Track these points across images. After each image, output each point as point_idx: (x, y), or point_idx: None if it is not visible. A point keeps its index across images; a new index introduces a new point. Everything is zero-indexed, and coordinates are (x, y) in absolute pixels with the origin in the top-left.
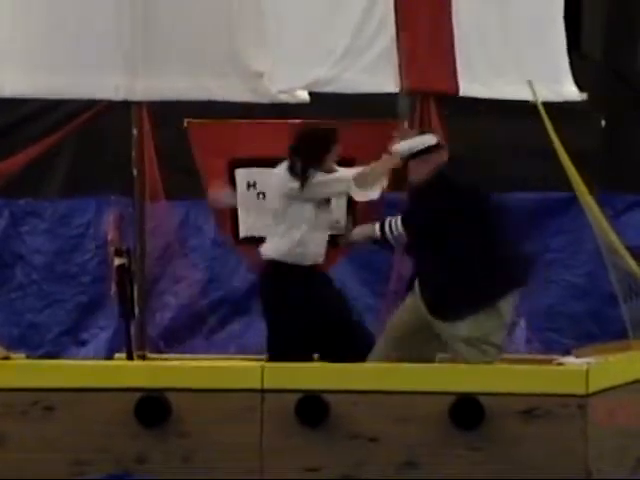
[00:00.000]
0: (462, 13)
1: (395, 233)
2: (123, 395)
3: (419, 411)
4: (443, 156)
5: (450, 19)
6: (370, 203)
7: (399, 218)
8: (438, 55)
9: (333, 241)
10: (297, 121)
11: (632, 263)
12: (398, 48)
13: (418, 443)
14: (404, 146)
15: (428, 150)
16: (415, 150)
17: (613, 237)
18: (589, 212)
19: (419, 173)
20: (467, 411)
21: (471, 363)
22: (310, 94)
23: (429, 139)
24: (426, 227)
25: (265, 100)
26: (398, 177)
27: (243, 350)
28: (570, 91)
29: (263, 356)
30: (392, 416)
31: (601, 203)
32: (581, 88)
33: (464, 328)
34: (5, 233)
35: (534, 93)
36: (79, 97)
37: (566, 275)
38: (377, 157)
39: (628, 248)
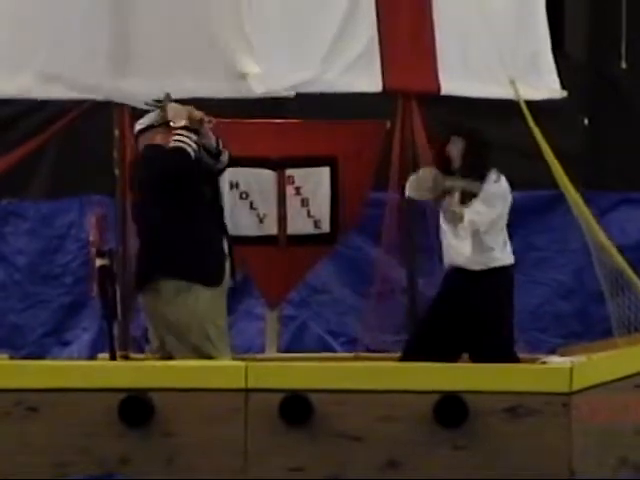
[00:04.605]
0: (443, 13)
1: None
2: (106, 395)
3: (403, 410)
4: None
5: (431, 19)
6: (352, 200)
7: None
8: (419, 55)
9: (315, 241)
10: (282, 121)
11: (619, 259)
12: (380, 48)
13: (402, 442)
14: None
15: None
16: None
17: (600, 234)
18: (576, 209)
19: None
20: (451, 409)
21: None
22: (295, 94)
23: None
24: None
25: (249, 96)
26: (383, 176)
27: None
28: (551, 89)
29: (248, 355)
30: (376, 415)
31: (585, 202)
32: (564, 88)
33: None
34: None
35: (517, 92)
36: (61, 97)
37: (552, 274)
38: (359, 156)
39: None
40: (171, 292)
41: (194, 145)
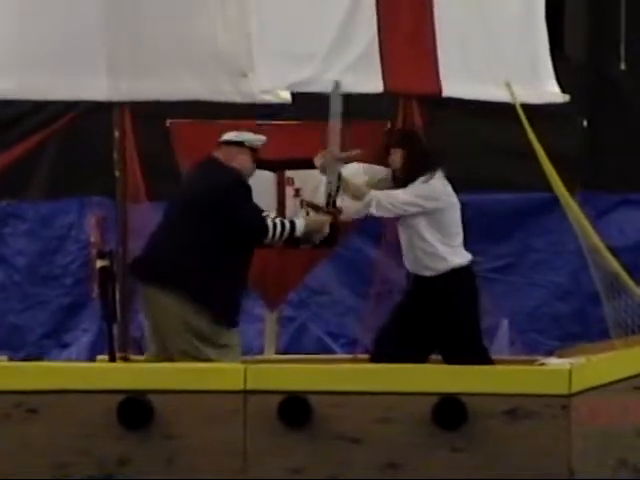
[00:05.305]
0: (444, 14)
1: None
2: (106, 397)
3: (402, 412)
4: None
5: (432, 20)
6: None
7: None
8: (421, 56)
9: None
10: (279, 123)
11: (613, 262)
12: (380, 49)
13: (401, 444)
14: None
15: None
16: None
17: (594, 237)
18: (569, 212)
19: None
20: (450, 411)
21: None
22: (294, 95)
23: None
24: None
25: (248, 100)
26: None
27: None
28: (553, 93)
29: (247, 357)
30: (375, 417)
31: (584, 203)
32: (563, 89)
33: None
34: None
35: (512, 95)
36: (62, 98)
37: (549, 275)
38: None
39: (610, 248)
40: (176, 306)
41: (278, 239)
